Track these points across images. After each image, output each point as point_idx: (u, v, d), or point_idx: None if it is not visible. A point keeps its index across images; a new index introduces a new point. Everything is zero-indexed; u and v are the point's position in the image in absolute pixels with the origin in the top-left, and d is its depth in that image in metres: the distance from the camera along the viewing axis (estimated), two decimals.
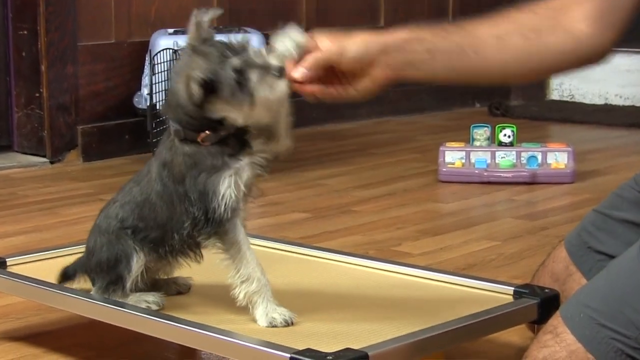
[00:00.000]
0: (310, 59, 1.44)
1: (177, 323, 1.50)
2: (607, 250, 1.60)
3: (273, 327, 1.46)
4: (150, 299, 1.58)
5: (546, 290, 1.59)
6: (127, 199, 1.57)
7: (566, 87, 4.83)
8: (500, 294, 1.62)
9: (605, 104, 4.72)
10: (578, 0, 1.47)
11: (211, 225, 1.47)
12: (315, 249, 1.91)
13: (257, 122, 1.46)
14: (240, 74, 1.42)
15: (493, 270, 2.25)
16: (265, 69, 1.43)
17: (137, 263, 1.55)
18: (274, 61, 1.44)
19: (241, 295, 1.49)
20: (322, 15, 4.19)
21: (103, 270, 1.57)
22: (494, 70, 1.48)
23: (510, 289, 1.61)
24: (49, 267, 1.79)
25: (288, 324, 1.47)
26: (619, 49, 5.52)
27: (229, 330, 1.46)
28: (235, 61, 1.43)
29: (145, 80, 3.39)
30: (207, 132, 1.46)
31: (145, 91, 3.36)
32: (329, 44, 1.45)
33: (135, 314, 1.54)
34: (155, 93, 3.23)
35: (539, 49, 1.46)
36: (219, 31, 3.58)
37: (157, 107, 3.24)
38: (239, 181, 1.47)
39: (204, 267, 1.60)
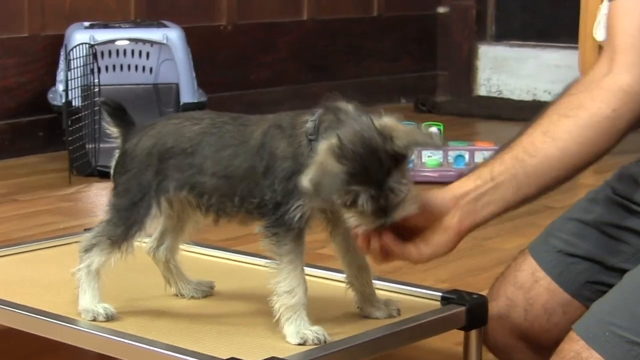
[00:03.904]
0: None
1: (93, 331, 1.45)
2: (580, 252, 1.57)
3: (303, 344, 1.40)
4: (101, 311, 1.49)
5: (474, 296, 1.57)
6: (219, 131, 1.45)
7: (494, 83, 4.82)
8: (427, 300, 1.60)
9: (534, 100, 4.67)
10: (608, 58, 1.44)
11: (277, 222, 1.40)
12: (228, 250, 1.88)
13: None
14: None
15: (419, 274, 2.22)
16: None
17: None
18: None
19: (277, 306, 1.42)
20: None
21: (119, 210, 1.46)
22: (565, 163, 1.43)
23: (438, 295, 1.59)
24: None
25: (320, 342, 1.40)
26: (548, 44, 5.39)
27: (142, 336, 1.41)
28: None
29: (61, 75, 3.31)
30: None
31: (60, 87, 3.28)
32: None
33: (53, 322, 1.49)
34: (71, 89, 3.15)
35: (589, 120, 1.41)
36: (137, 25, 3.52)
37: (73, 104, 3.16)
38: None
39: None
